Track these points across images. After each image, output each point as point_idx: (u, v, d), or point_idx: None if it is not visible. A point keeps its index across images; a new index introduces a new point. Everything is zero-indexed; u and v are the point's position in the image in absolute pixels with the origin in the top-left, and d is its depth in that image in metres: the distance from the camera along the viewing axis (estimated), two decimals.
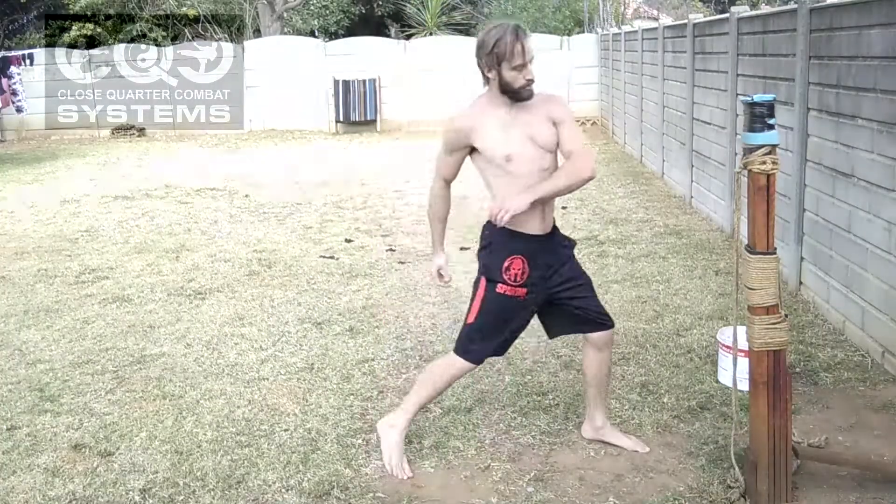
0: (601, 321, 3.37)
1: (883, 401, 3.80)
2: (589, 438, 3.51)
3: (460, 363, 3.31)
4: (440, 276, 3.46)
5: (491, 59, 3.04)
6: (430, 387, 3.38)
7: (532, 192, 3.05)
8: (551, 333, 3.52)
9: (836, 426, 3.57)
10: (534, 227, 3.16)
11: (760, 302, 2.84)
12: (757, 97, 2.75)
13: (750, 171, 2.77)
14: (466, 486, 3.22)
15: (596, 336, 3.37)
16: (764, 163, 2.74)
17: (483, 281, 3.23)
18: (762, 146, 2.74)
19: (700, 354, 4.38)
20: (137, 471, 3.37)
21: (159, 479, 3.30)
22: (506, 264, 3.15)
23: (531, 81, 3.07)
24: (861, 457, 3.29)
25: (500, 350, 3.37)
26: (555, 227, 3.29)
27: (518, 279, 3.16)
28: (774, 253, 2.83)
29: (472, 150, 3.17)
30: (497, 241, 3.21)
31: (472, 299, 3.27)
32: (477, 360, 3.33)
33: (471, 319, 3.26)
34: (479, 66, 3.11)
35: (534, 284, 3.19)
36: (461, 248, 6.79)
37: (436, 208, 3.42)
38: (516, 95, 3.09)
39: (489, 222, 3.18)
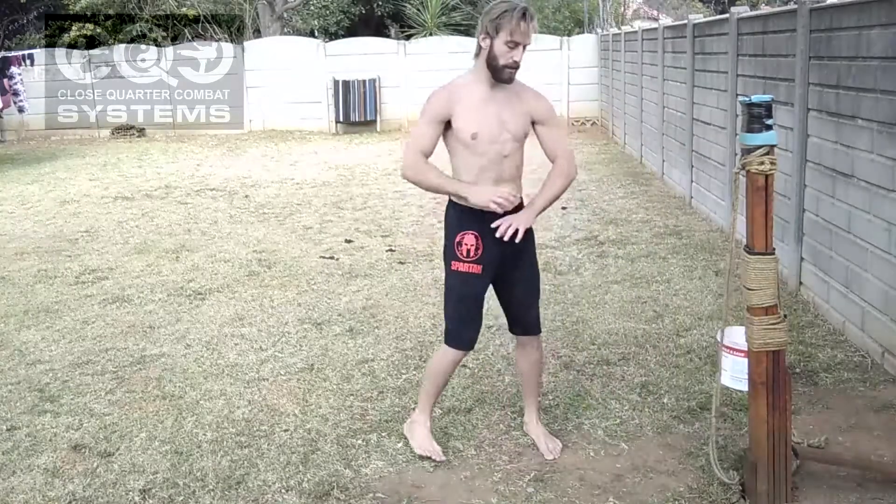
0: (530, 327, 3.43)
1: (883, 401, 3.80)
2: (523, 432, 3.59)
3: (451, 352, 3.35)
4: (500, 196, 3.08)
5: (492, 26, 3.05)
6: (433, 380, 3.44)
7: (533, 209, 3.17)
8: (508, 327, 3.53)
9: (836, 426, 3.57)
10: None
11: (759, 302, 2.84)
12: (755, 97, 2.75)
13: (748, 171, 2.77)
14: (466, 486, 3.22)
15: (523, 338, 3.47)
16: (762, 163, 2.74)
17: (445, 264, 3.29)
18: (760, 146, 2.74)
19: (700, 355, 4.38)
20: (137, 471, 3.37)
21: (159, 479, 3.30)
22: (457, 240, 3.19)
23: (516, 64, 3.08)
24: (861, 457, 3.29)
25: (476, 333, 3.35)
26: (518, 209, 3.21)
27: (471, 255, 3.18)
28: (773, 253, 2.83)
29: (447, 126, 3.16)
30: (450, 221, 3.26)
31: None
32: (461, 347, 3.34)
33: (446, 304, 3.34)
34: (477, 32, 3.15)
35: (488, 261, 3.20)
36: None
37: (430, 171, 3.18)
38: (497, 73, 3.09)
39: (448, 209, 3.26)
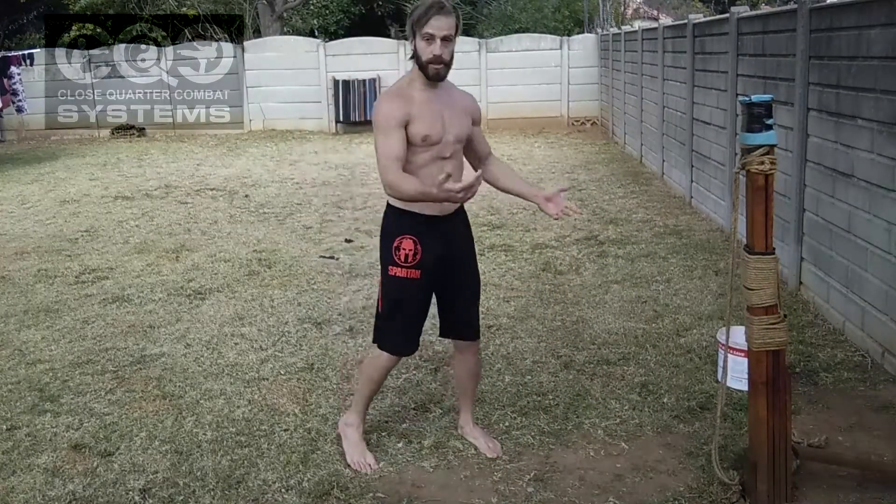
0: (467, 332, 3.38)
1: (883, 401, 3.80)
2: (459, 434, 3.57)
3: (384, 356, 3.31)
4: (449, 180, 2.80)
5: (409, 26, 3.03)
6: (367, 383, 3.42)
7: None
8: (441, 331, 3.45)
9: (836, 426, 3.57)
10: (423, 205, 3.06)
11: (759, 302, 2.84)
12: (755, 97, 2.75)
13: (748, 171, 2.77)
14: (466, 486, 3.22)
15: (460, 343, 3.43)
16: (762, 163, 2.74)
17: (382, 268, 3.22)
18: (760, 146, 2.74)
19: (700, 354, 4.38)
20: (137, 471, 3.37)
21: (159, 479, 3.30)
22: (395, 244, 3.12)
23: (438, 58, 2.98)
24: (861, 457, 3.29)
25: (413, 341, 3.30)
26: (458, 213, 3.24)
27: (409, 260, 3.11)
28: (773, 253, 2.83)
29: None
30: (388, 225, 3.20)
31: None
32: (392, 351, 3.30)
33: (379, 308, 3.27)
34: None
35: (427, 266, 3.13)
36: None
37: (408, 180, 2.96)
38: (424, 71, 3.02)
39: (387, 213, 3.21)
